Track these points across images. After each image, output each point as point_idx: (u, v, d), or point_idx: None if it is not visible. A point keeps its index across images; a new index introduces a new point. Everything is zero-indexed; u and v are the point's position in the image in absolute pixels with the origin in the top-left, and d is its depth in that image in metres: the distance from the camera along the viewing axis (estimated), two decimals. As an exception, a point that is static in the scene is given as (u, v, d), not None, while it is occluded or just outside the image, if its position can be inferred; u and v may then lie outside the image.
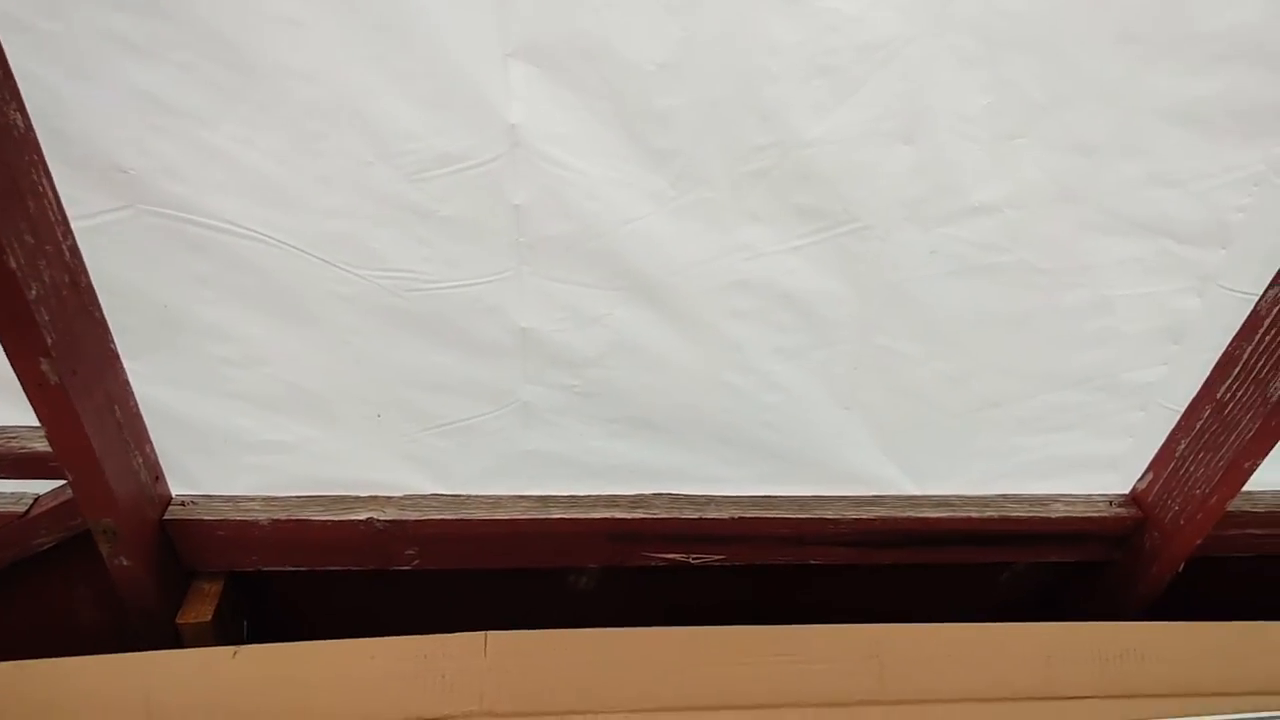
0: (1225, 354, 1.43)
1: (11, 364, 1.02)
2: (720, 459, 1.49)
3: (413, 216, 1.16)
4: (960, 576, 1.70)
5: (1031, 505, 1.61)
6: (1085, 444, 1.58)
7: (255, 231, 1.14)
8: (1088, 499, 1.65)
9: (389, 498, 1.40)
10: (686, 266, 1.26)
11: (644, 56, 1.07)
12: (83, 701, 1.08)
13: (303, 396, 1.30)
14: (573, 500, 1.46)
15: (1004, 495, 1.62)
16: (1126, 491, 1.67)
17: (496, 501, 1.44)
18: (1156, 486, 1.60)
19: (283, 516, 1.34)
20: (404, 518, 1.38)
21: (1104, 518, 1.62)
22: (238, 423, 1.31)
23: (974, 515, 1.57)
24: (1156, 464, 1.60)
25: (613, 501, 1.47)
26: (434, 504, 1.41)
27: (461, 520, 1.40)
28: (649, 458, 1.47)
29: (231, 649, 1.14)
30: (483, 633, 1.17)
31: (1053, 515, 1.60)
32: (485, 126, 1.10)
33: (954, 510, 1.57)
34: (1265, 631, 1.40)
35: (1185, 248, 1.34)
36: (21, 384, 1.04)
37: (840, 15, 1.07)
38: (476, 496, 1.43)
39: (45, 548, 1.32)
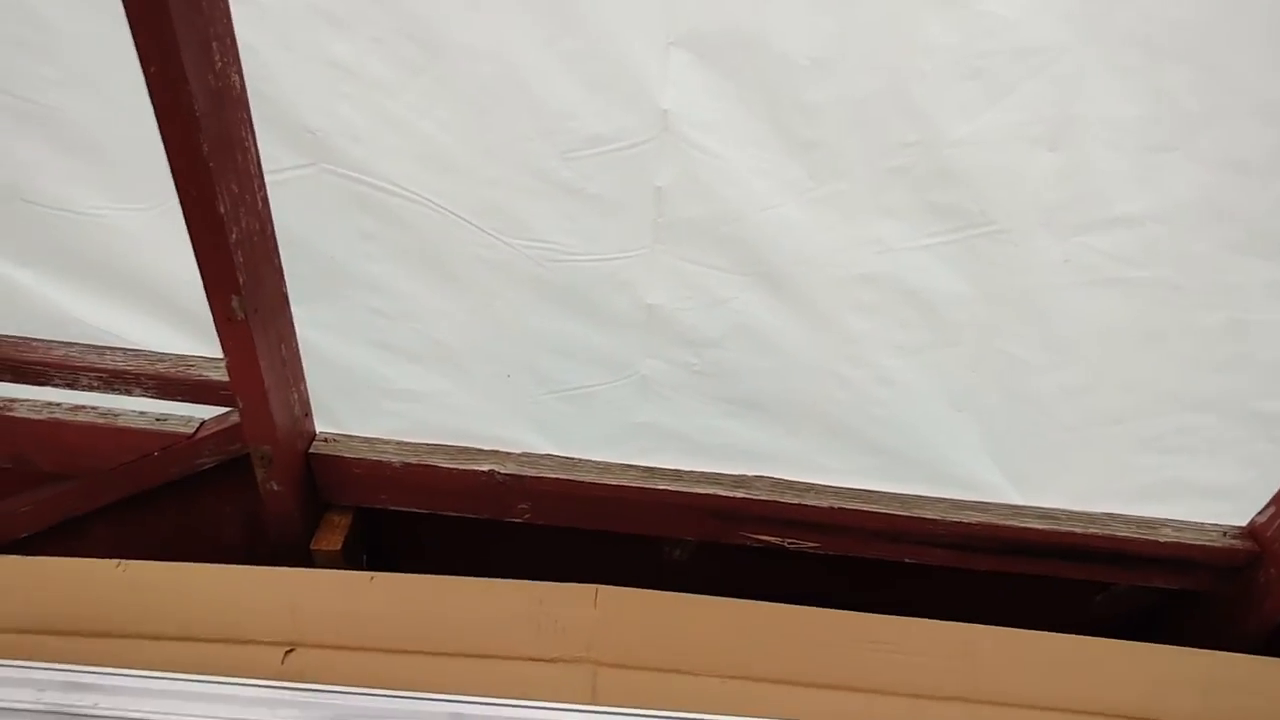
0: (1370, 390, 1.38)
1: (208, 298, 1.14)
2: (826, 448, 1.52)
3: (562, 191, 1.23)
4: (1053, 592, 1.68)
5: (1139, 527, 1.58)
6: (1204, 470, 1.54)
7: (420, 195, 1.23)
8: (1199, 527, 1.60)
9: (509, 453, 1.49)
10: (816, 256, 1.30)
11: (798, 50, 1.11)
12: (234, 604, 1.21)
13: (442, 351, 1.40)
14: (678, 474, 1.52)
15: (1110, 514, 1.59)
16: (1243, 524, 1.61)
17: (606, 468, 1.51)
18: (1278, 521, 1.54)
19: (413, 460, 1.45)
20: (521, 473, 1.46)
21: (1216, 547, 1.57)
22: (381, 370, 1.42)
23: (1078, 531, 1.55)
24: (1280, 498, 1.54)
25: (716, 480, 1.52)
26: (549, 464, 1.49)
27: (573, 481, 1.48)
28: (756, 440, 1.51)
29: (369, 574, 1.24)
30: (594, 585, 1.25)
31: (1161, 539, 1.57)
32: (639, 110, 1.16)
33: (1058, 524, 1.55)
34: (1386, 682, 1.34)
35: (1337, 276, 1.30)
36: (214, 317, 1.16)
37: (998, 19, 1.08)
38: (588, 461, 1.51)
39: (205, 468, 1.46)
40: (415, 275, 1.30)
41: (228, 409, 1.39)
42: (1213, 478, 1.54)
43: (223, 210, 1.06)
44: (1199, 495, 1.57)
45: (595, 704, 1.12)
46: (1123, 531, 1.58)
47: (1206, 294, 1.30)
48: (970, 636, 1.30)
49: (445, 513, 1.53)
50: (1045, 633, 1.34)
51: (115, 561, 1.23)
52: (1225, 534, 1.61)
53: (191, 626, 1.20)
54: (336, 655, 1.15)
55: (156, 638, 1.18)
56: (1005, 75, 1.11)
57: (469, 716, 1.07)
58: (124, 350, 1.36)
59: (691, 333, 1.38)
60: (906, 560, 1.60)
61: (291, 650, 1.16)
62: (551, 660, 1.18)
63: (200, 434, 1.42)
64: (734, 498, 1.51)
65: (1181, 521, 1.62)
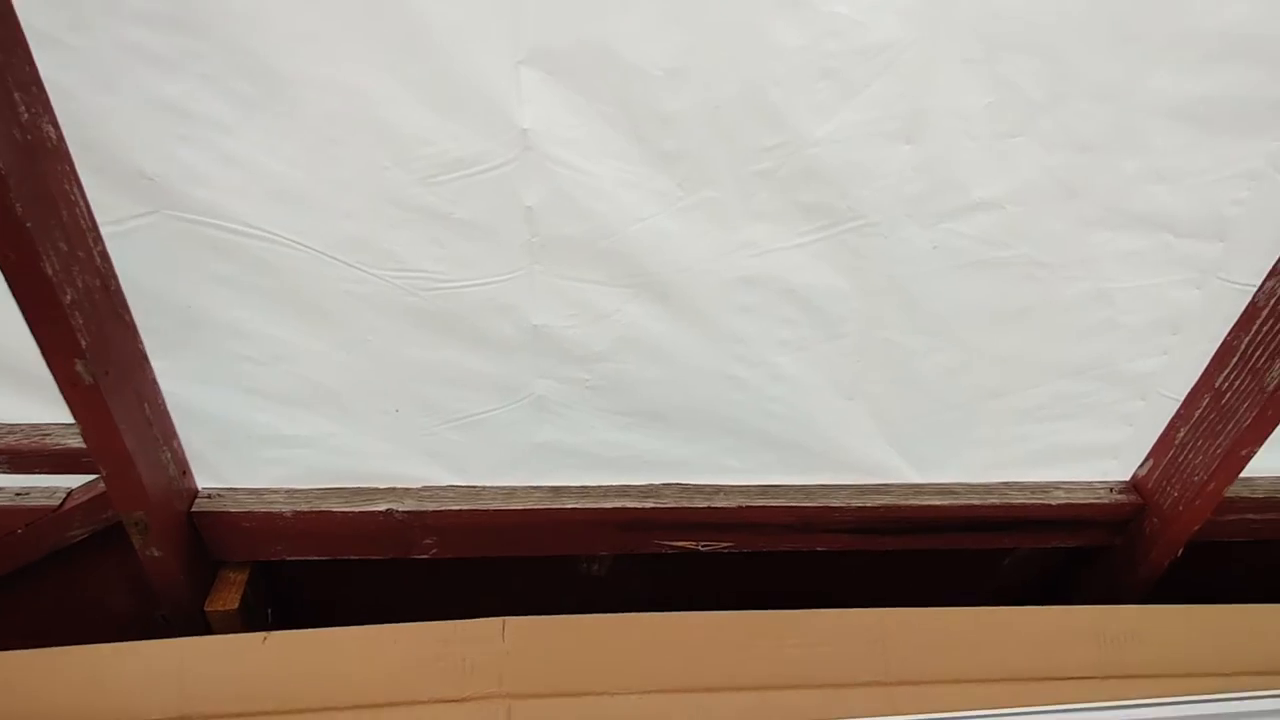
0: (1223, 344, 1.46)
1: (48, 364, 1.07)
2: (727, 449, 1.53)
3: (428, 218, 1.20)
4: (962, 562, 1.74)
5: (1033, 492, 1.65)
6: (1086, 433, 1.61)
7: (275, 234, 1.18)
8: (1088, 486, 1.69)
9: (407, 489, 1.45)
10: (693, 263, 1.29)
11: (651, 62, 1.10)
12: (119, 685, 1.14)
13: (322, 392, 1.34)
14: (584, 490, 1.50)
15: (1006, 483, 1.66)
16: (1127, 479, 1.70)
17: (511, 492, 1.48)
18: (1156, 473, 1.63)
19: (305, 508, 1.39)
20: (422, 508, 1.43)
21: (1104, 504, 1.66)
22: (259, 418, 1.36)
23: (976, 502, 1.61)
24: (1156, 451, 1.63)
25: (624, 491, 1.52)
26: (451, 495, 1.46)
27: (478, 510, 1.45)
28: (658, 449, 1.51)
29: (261, 635, 1.19)
30: (500, 618, 1.22)
31: (1053, 502, 1.64)
32: (498, 131, 1.13)
33: (956, 498, 1.61)
34: (1262, 615, 1.44)
35: (1184, 241, 1.37)
36: (58, 384, 1.09)
37: (842, 19, 1.09)
38: (492, 488, 1.48)
39: (78, 539, 1.37)
40: (281, 317, 1.24)
41: (93, 476, 1.30)
42: (1094, 438, 1.62)
43: (50, 271, 0.98)
44: (1084, 456, 1.64)
45: (508, 740, 1.10)
46: (1018, 498, 1.65)
47: (1068, 268, 1.36)
48: (880, 620, 1.34)
49: (346, 557, 1.48)
50: (948, 608, 1.38)
51: (-15, 654, 1.15)
52: (1111, 490, 1.69)
53: (76, 713, 1.12)
54: (230, 726, 1.10)
55: (28, 733, 1.10)
56: (855, 74, 1.13)
57: (374, 773, 1.03)
58: (-34, 426, 1.26)
59: (580, 349, 1.37)
60: (819, 549, 1.63)
61: (182, 726, 1.10)
62: (462, 700, 1.16)
63: (68, 505, 1.33)
64: (643, 508, 1.51)
65: (1071, 483, 1.70)
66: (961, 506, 1.60)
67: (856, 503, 1.56)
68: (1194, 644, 1.39)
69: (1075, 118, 1.22)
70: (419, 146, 1.13)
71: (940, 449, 1.59)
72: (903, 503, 1.58)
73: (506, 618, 1.22)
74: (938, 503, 1.60)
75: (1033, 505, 1.64)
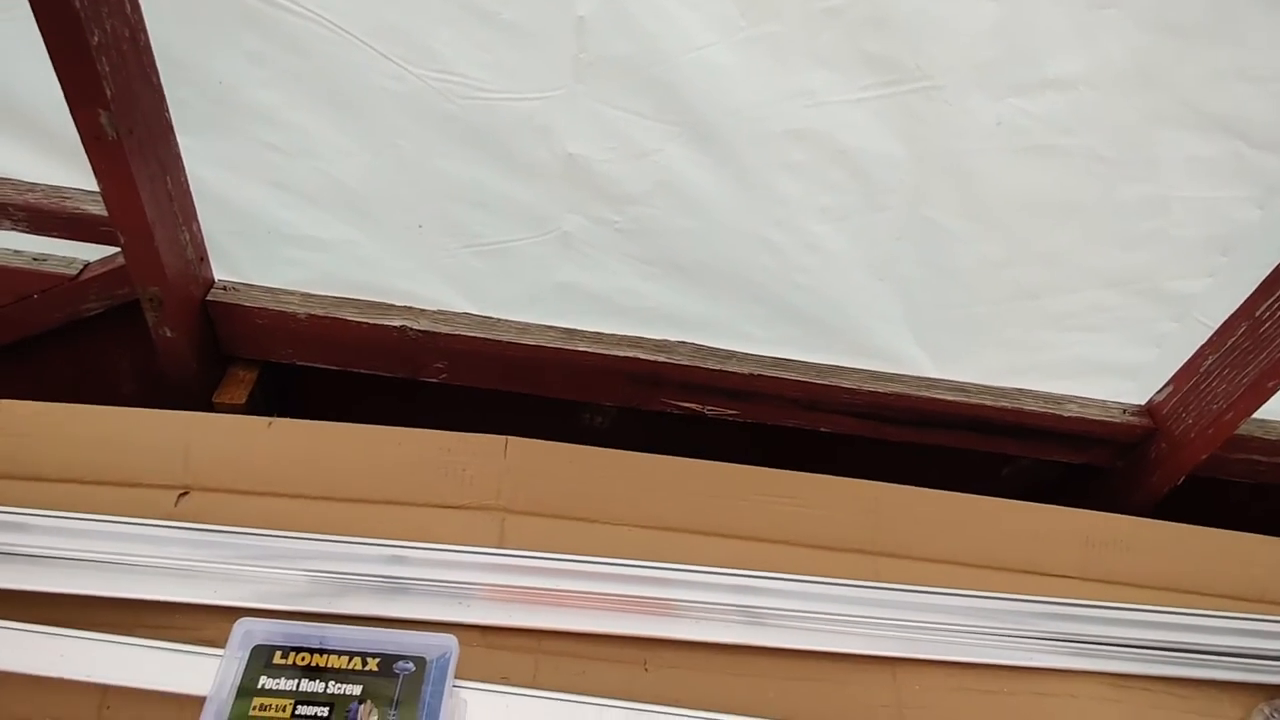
0: (1274, 272, 1.41)
1: (72, 113, 1.03)
2: (748, 316, 1.50)
3: (475, 17, 1.13)
4: (962, 462, 1.74)
5: (1046, 402, 1.63)
6: (1111, 348, 1.58)
7: (314, 13, 1.12)
8: (1102, 404, 1.67)
9: (423, 310, 1.44)
10: (744, 107, 1.23)
11: None
12: (126, 445, 1.16)
13: (347, 195, 1.31)
14: (598, 336, 1.49)
15: (1020, 389, 1.64)
16: (1143, 403, 1.68)
17: (525, 328, 1.47)
18: (1174, 400, 1.61)
19: (320, 313, 1.38)
20: (436, 330, 1.42)
21: (1115, 423, 1.64)
22: (281, 214, 1.33)
23: (988, 404, 1.60)
24: (1179, 377, 1.60)
25: (636, 343, 1.50)
26: (465, 322, 1.44)
27: (491, 340, 1.44)
28: (678, 305, 1.48)
29: (267, 420, 1.20)
30: (504, 437, 1.23)
31: (1065, 414, 1.63)
32: (560, -78, 1.06)
33: (969, 397, 1.59)
34: (1254, 544, 1.45)
35: (1257, 153, 1.30)
36: (81, 137, 1.05)
37: None
38: (506, 320, 1.46)
39: (92, 313, 1.37)
40: (312, 106, 1.20)
41: (114, 249, 1.29)
42: (1118, 356, 1.59)
43: (77, 5, 0.93)
44: (1103, 373, 1.62)
45: (502, 547, 1.13)
46: (1030, 406, 1.63)
47: (1130, 166, 1.30)
48: (873, 494, 1.34)
49: (355, 370, 1.48)
50: (944, 492, 1.39)
51: (2, 401, 1.16)
52: (1125, 411, 1.67)
53: (81, 468, 1.15)
54: (232, 499, 1.12)
55: (44, 479, 1.13)
56: (951, -92, 1.04)
57: (361, 556, 1.05)
58: (-12, 178, 1.24)
59: (614, 187, 1.32)
60: (822, 430, 1.63)
61: (185, 493, 1.12)
62: (459, 507, 1.17)
63: (84, 275, 1.32)
64: (655, 362, 1.50)
65: (1085, 399, 1.68)
66: (972, 405, 1.59)
67: (868, 387, 1.55)
68: (1178, 560, 1.40)
69: (1175, -5, 1.13)
70: (474, -69, 1.06)
71: (962, 345, 1.56)
72: (913, 393, 1.57)
73: (510, 437, 1.23)
74: (949, 398, 1.58)
75: (1043, 414, 1.62)
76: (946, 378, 1.62)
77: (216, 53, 1.15)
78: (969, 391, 1.62)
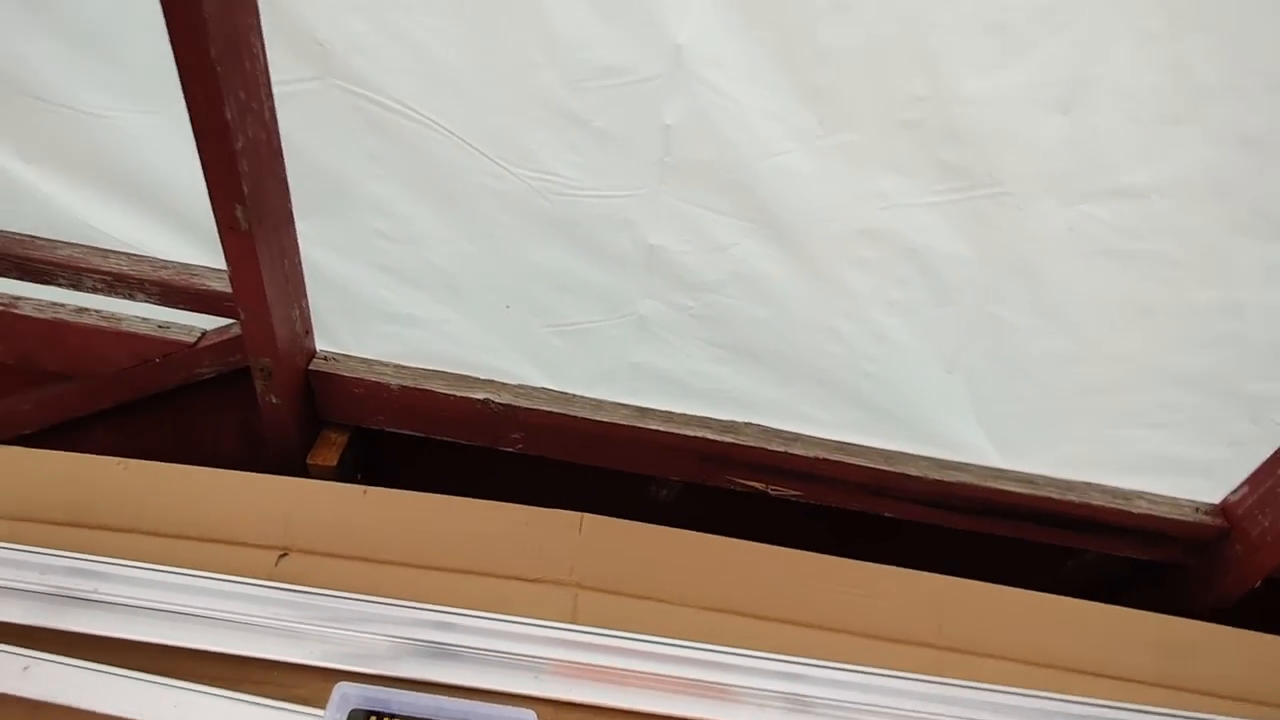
0: (1356, 378, 1.39)
1: (213, 207, 1.15)
2: (814, 400, 1.54)
3: (570, 123, 1.23)
4: (1026, 555, 1.72)
5: (1114, 497, 1.62)
6: (1184, 447, 1.57)
7: (427, 118, 1.23)
8: (1173, 501, 1.64)
9: (504, 384, 1.51)
10: (819, 208, 1.30)
11: (818, -8, 1.10)
12: (232, 506, 1.25)
13: (443, 278, 1.41)
14: (669, 415, 1.54)
15: (1088, 483, 1.63)
16: (1216, 501, 1.65)
17: (599, 405, 1.53)
18: (1250, 501, 1.58)
19: (410, 384, 1.47)
20: (516, 404, 1.49)
21: (1186, 521, 1.61)
22: (381, 293, 1.44)
23: (1055, 496, 1.59)
24: (1255, 478, 1.57)
25: (705, 423, 1.55)
26: (543, 397, 1.52)
27: (566, 415, 1.50)
28: (747, 387, 1.53)
29: (362, 488, 1.28)
30: (579, 513, 1.28)
31: (1134, 510, 1.60)
32: (653, 43, 1.15)
33: (1036, 488, 1.59)
34: (1336, 658, 1.40)
35: (1336, 262, 1.30)
36: (218, 225, 1.17)
37: (1024, -27, 1.06)
38: (582, 397, 1.53)
39: (205, 377, 1.48)
40: (420, 199, 1.30)
41: (230, 320, 1.41)
42: (1192, 454, 1.57)
43: (229, 116, 1.06)
44: (1177, 471, 1.60)
45: (575, 623, 1.17)
46: (1098, 500, 1.62)
47: (1204, 271, 1.31)
48: (939, 587, 1.35)
49: (439, 437, 1.56)
50: (1012, 588, 1.38)
51: (117, 459, 1.27)
52: (1198, 510, 1.64)
53: (188, 525, 1.24)
54: (328, 562, 1.20)
55: (154, 534, 1.22)
56: (1024, 32, 1.10)
57: (453, 626, 1.11)
58: (128, 255, 1.37)
59: (690, 276, 1.39)
60: (886, 514, 1.64)
61: (285, 554, 1.20)
62: (534, 580, 1.23)
63: (202, 343, 1.44)
64: (722, 442, 1.55)
65: (1156, 495, 1.65)
66: (1039, 498, 1.59)
67: (934, 475, 1.56)
68: (1257, 671, 1.36)
69: (1247, 110, 1.16)
70: (575, 49, 1.16)
71: (1029, 437, 1.57)
72: (979, 483, 1.57)
73: (585, 513, 1.28)
74: (1015, 489, 1.58)
75: (1112, 510, 1.60)
76: (1013, 468, 1.62)
77: (340, 151, 1.27)
78: (1036, 483, 1.61)
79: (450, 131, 1.23)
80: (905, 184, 1.25)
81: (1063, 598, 1.39)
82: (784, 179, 1.27)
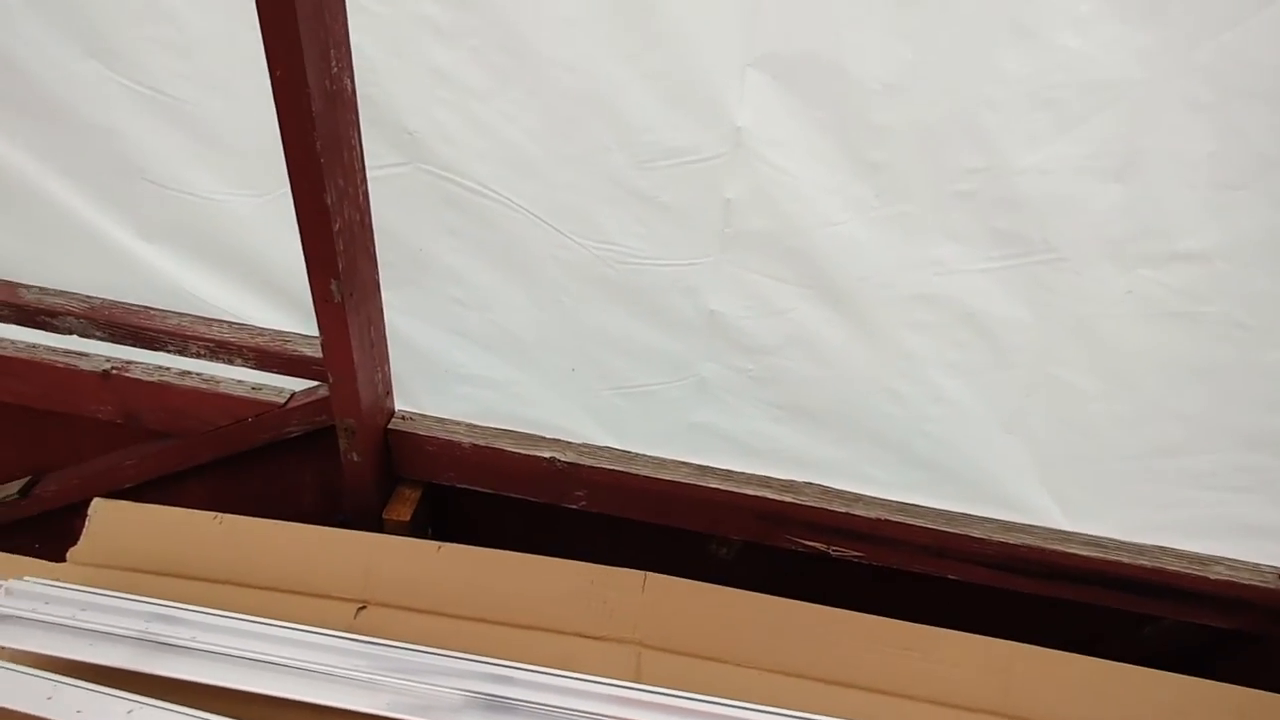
0: None
1: (310, 281, 1.26)
2: (874, 460, 1.56)
3: (636, 199, 1.31)
4: (1100, 621, 1.68)
5: (1190, 562, 1.57)
6: (1260, 510, 1.52)
7: (503, 196, 1.33)
8: (1254, 567, 1.58)
9: (569, 442, 1.57)
10: (876, 273, 1.34)
11: (872, 75, 1.16)
12: (315, 559, 1.32)
13: (514, 342, 1.49)
14: (729, 474, 1.57)
15: (1161, 547, 1.59)
16: (1300, 568, 1.58)
17: (660, 463, 1.58)
18: (1337, 568, 1.52)
19: (481, 442, 1.54)
20: (580, 462, 1.54)
21: (1268, 589, 1.55)
22: (456, 356, 1.52)
23: (1126, 561, 1.55)
24: (1341, 545, 1.52)
25: (765, 482, 1.58)
26: (607, 455, 1.57)
27: (628, 474, 1.55)
28: (806, 447, 1.56)
29: (436, 544, 1.34)
30: (643, 572, 1.32)
31: (1212, 576, 1.55)
32: (715, 126, 1.22)
33: (1105, 552, 1.56)
34: None
35: None
36: (313, 298, 1.28)
37: (1072, 53, 1.11)
38: (644, 455, 1.58)
39: (291, 436, 1.58)
40: (494, 269, 1.39)
41: (316, 383, 1.51)
42: (1267, 518, 1.52)
43: (329, 201, 1.17)
44: (1253, 535, 1.55)
45: (639, 682, 1.19)
46: (1173, 565, 1.58)
47: (1271, 333, 1.30)
48: (1004, 652, 1.33)
49: (507, 494, 1.62)
50: (1081, 656, 1.35)
51: (213, 515, 1.36)
52: (1280, 576, 1.58)
53: (278, 578, 1.32)
54: (404, 615, 1.25)
55: (245, 585, 1.31)
56: (1075, 107, 1.14)
57: (518, 681, 1.15)
58: (229, 323, 1.49)
59: (750, 340, 1.44)
60: (949, 577, 1.63)
61: (364, 607, 1.27)
62: (598, 638, 1.26)
63: (291, 404, 1.55)
64: (782, 501, 1.57)
65: (1235, 561, 1.60)
66: (1110, 562, 1.55)
67: (999, 537, 1.55)
68: (1355, 753, 1.29)
69: (1307, 178, 1.17)
70: (641, 133, 1.24)
71: (1095, 499, 1.54)
72: (1047, 546, 1.55)
73: (648, 572, 1.32)
74: (1084, 553, 1.55)
75: (1188, 576, 1.56)
76: (1080, 531, 1.59)
77: (423, 227, 1.37)
78: (1105, 547, 1.58)
79: (523, 208, 1.32)
80: (960, 251, 1.29)
81: (1136, 667, 1.35)
82: (840, 247, 1.31)
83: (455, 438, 1.59)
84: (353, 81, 1.18)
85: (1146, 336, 1.33)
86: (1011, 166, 1.19)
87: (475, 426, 1.61)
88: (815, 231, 1.30)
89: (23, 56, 1.27)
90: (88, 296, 1.52)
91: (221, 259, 1.47)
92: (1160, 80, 1.11)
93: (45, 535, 1.79)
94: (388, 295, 1.45)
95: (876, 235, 1.29)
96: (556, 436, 1.60)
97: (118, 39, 1.24)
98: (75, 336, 1.51)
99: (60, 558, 1.33)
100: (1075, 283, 1.29)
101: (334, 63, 1.13)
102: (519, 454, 1.59)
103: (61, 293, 1.54)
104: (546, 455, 1.60)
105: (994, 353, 1.39)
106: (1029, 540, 1.60)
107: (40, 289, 1.54)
